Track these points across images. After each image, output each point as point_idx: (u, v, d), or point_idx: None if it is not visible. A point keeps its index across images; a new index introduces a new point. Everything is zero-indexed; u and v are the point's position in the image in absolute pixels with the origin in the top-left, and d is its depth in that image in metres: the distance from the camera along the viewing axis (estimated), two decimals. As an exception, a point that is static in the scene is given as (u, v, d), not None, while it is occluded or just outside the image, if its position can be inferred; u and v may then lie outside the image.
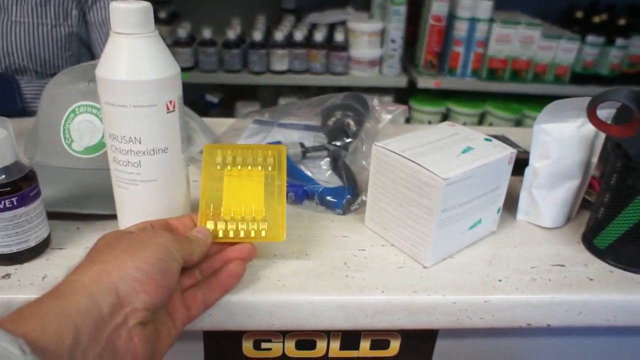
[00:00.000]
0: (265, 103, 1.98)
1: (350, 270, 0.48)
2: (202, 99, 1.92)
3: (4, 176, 0.42)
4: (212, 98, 1.91)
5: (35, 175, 0.45)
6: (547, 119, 0.54)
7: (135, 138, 0.43)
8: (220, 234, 0.45)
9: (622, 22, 1.85)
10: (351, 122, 0.72)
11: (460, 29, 1.78)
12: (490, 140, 0.53)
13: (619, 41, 1.84)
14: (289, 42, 1.78)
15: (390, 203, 0.51)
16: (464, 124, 1.83)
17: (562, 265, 0.51)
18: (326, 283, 0.46)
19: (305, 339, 0.50)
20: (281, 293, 0.45)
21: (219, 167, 0.47)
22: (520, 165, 0.56)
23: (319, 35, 1.77)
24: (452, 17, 1.78)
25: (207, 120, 0.78)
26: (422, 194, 0.47)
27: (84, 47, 0.96)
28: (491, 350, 0.54)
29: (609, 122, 0.51)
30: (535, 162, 0.56)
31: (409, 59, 1.95)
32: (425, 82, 1.82)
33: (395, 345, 0.51)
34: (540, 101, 1.90)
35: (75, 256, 0.46)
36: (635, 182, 0.49)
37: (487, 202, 0.52)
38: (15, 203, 0.43)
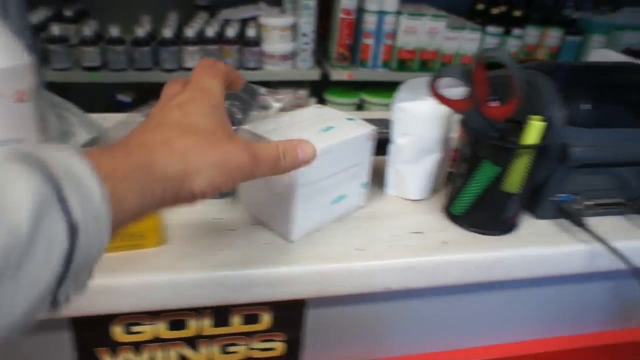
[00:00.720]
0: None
1: (217, 249, 0.49)
2: (113, 99, 1.87)
3: None
4: (124, 97, 1.86)
5: None
6: (404, 97, 0.58)
7: (-22, 128, 0.42)
8: None
9: (518, 13, 1.98)
10: (236, 111, 0.74)
11: (369, 21, 1.83)
12: (353, 119, 0.56)
13: (516, 31, 1.96)
14: (200, 39, 1.76)
15: (259, 182, 0.53)
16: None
17: (421, 232, 0.55)
18: (191, 263, 0.47)
19: (176, 319, 0.51)
20: (144, 274, 0.46)
21: None
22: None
23: (231, 31, 1.77)
24: (361, 10, 1.84)
25: (98, 116, 0.77)
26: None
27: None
28: (360, 316, 0.57)
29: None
30: (397, 139, 0.60)
31: (322, 53, 1.99)
32: (338, 74, 1.87)
33: (266, 319, 0.53)
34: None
35: None
36: (480, 152, 0.54)
37: (350, 178, 0.55)
38: None
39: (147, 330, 0.50)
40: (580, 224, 0.57)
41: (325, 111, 0.58)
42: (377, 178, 0.63)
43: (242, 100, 0.77)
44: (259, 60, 1.81)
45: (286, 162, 0.39)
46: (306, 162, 0.41)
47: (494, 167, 0.53)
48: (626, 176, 0.60)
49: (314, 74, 1.88)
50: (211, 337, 0.53)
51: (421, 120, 0.58)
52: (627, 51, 2.07)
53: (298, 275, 0.48)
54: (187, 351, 0.53)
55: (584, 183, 0.59)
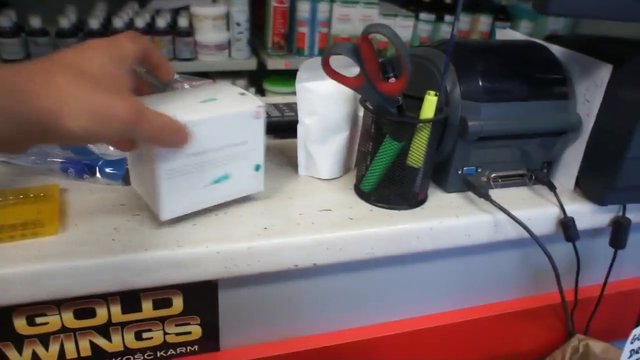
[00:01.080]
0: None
1: (120, 235, 0.49)
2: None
3: None
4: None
5: None
6: (307, 77, 0.59)
7: None
8: None
9: (449, 1, 2.03)
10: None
11: (303, 9, 1.83)
12: (244, 94, 0.51)
13: (447, 18, 2.01)
14: (130, 30, 1.71)
15: (138, 162, 0.50)
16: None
17: (329, 210, 0.57)
18: (93, 248, 0.47)
19: (83, 308, 0.50)
20: (43, 262, 0.45)
21: None
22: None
23: (162, 21, 1.73)
24: (294, -1, 1.84)
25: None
26: (147, 146, 0.45)
27: None
28: (274, 296, 0.58)
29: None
30: (305, 119, 0.61)
31: (259, 42, 1.97)
32: (274, 63, 1.86)
33: (178, 302, 0.53)
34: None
35: None
36: (383, 128, 0.55)
37: (234, 157, 0.50)
38: None
39: (52, 321, 0.49)
40: (484, 195, 0.60)
41: (220, 86, 0.53)
42: (292, 159, 0.64)
43: (153, 87, 0.76)
44: (193, 50, 1.78)
45: (169, 136, 0.40)
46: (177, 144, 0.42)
47: (396, 142, 0.55)
48: (526, 148, 0.64)
49: (251, 64, 1.87)
50: (123, 324, 0.52)
51: (325, 99, 0.59)
52: (550, 36, 2.17)
53: (204, 256, 0.49)
54: (100, 340, 0.52)
55: (487, 156, 0.62)
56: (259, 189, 0.55)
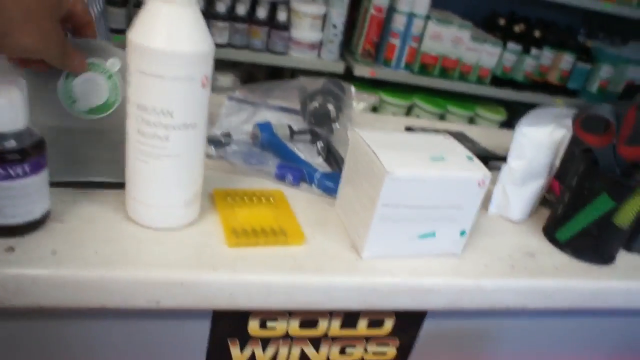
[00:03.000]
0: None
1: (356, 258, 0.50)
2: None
3: (14, 142, 0.39)
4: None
5: (45, 143, 0.42)
6: (530, 122, 0.60)
7: (167, 111, 0.41)
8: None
9: (537, 34, 2.03)
10: (332, 108, 0.74)
11: (399, 22, 1.84)
12: (471, 159, 0.52)
13: (534, 51, 2.02)
14: (230, 15, 1.73)
15: (353, 191, 0.52)
16: (392, 114, 1.92)
17: (533, 256, 0.58)
18: (334, 264, 0.48)
19: (309, 320, 0.51)
20: (297, 274, 0.46)
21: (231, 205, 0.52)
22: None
23: (262, 12, 1.74)
24: (392, 9, 1.84)
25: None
26: (371, 184, 0.48)
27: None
28: (474, 331, 0.59)
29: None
30: (512, 162, 0.62)
31: (346, 46, 1.98)
32: (361, 70, 1.87)
33: (389, 324, 0.54)
34: (463, 99, 2.05)
35: (77, 230, 0.44)
36: (598, 185, 0.56)
37: (444, 218, 0.50)
38: (26, 171, 0.40)
39: (279, 327, 0.51)
40: (666, 261, 0.61)
41: (449, 142, 0.55)
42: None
43: (335, 97, 0.77)
44: (286, 45, 1.80)
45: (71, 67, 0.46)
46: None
47: (611, 201, 0.56)
48: None
49: (338, 67, 1.88)
50: (334, 338, 0.54)
51: (536, 145, 0.60)
52: (629, 86, 2.18)
53: (416, 287, 0.50)
54: (310, 350, 0.54)
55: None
56: (457, 252, 0.54)
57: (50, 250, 0.42)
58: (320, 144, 0.66)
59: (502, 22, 2.09)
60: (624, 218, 0.57)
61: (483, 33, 2.01)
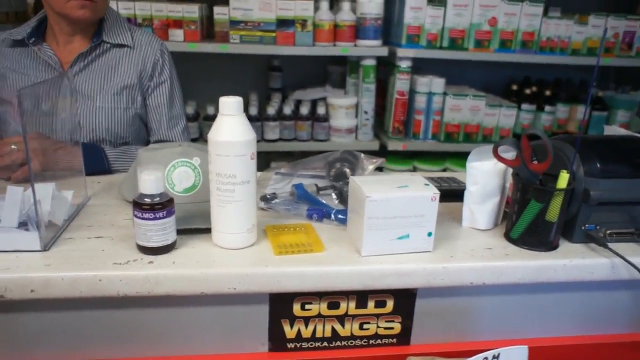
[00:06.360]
0: (260, 166, 2.29)
1: (356, 255, 0.77)
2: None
3: (158, 198, 0.72)
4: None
5: (173, 200, 0.74)
6: (474, 159, 0.87)
7: (232, 174, 0.73)
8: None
9: (548, 93, 2.28)
10: (348, 170, 1.04)
11: (420, 101, 2.17)
12: (427, 185, 0.78)
13: (547, 108, 2.26)
14: (279, 116, 2.12)
15: (353, 214, 0.80)
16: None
17: (491, 249, 0.82)
18: (343, 261, 0.75)
19: (333, 301, 0.78)
20: (319, 266, 0.74)
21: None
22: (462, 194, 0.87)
23: (305, 109, 2.13)
24: (412, 92, 2.18)
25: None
26: (361, 206, 0.74)
27: (142, 123, 1.27)
28: (457, 307, 0.83)
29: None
30: (470, 187, 0.88)
31: (379, 127, 2.32)
32: (394, 145, 2.18)
33: (390, 304, 0.80)
34: (490, 158, 2.29)
35: (189, 251, 0.75)
36: (528, 194, 0.81)
37: (413, 224, 0.76)
38: (164, 215, 0.72)
39: (314, 308, 0.78)
40: (603, 245, 0.83)
41: (415, 177, 0.82)
42: (453, 215, 0.90)
43: (350, 162, 1.07)
44: (327, 133, 2.16)
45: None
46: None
47: (538, 203, 0.80)
48: (633, 213, 0.86)
49: (374, 145, 2.21)
50: (354, 316, 0.79)
51: (485, 173, 0.87)
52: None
53: (412, 271, 0.75)
54: (338, 326, 0.80)
55: (604, 217, 0.85)
56: (428, 249, 0.79)
57: (172, 261, 0.72)
58: (336, 192, 0.96)
59: (515, 87, 2.36)
60: (552, 214, 0.81)
61: (499, 99, 2.28)
